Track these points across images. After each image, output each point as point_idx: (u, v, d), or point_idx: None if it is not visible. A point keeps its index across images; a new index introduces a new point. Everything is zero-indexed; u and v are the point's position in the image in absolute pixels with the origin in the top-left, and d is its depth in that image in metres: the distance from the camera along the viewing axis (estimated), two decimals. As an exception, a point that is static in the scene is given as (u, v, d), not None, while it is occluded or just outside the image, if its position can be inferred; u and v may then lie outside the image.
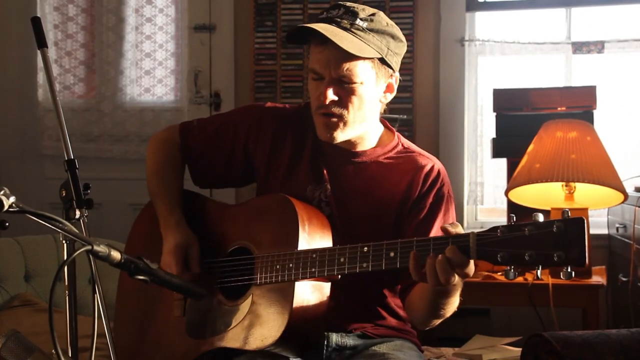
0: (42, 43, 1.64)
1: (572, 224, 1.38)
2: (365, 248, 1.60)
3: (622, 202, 3.04)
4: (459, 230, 1.51)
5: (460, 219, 3.79)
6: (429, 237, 1.55)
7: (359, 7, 1.78)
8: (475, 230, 1.48)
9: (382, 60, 1.77)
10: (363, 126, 1.83)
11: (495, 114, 3.43)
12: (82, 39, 4.18)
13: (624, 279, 3.18)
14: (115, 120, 4.10)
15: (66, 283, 1.50)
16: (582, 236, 1.37)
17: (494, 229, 1.45)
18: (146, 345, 1.91)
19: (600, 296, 3.11)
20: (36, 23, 1.66)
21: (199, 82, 4.05)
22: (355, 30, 1.73)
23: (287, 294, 1.68)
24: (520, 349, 2.05)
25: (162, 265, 1.81)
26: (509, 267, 1.46)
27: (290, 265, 1.67)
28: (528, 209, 3.16)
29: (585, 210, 3.02)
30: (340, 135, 1.80)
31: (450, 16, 3.86)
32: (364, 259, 1.60)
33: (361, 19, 1.75)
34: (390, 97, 1.85)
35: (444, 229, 1.52)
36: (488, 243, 1.45)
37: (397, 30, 1.80)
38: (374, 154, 1.88)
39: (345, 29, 1.73)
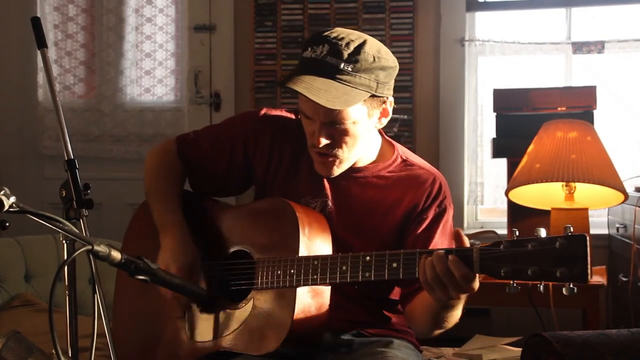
0: (42, 43, 1.63)
1: (574, 240, 1.38)
2: (368, 257, 1.60)
3: (622, 202, 3.04)
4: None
5: (460, 219, 3.78)
6: (432, 249, 1.54)
7: (343, 41, 1.69)
8: (478, 245, 1.47)
9: (373, 95, 1.73)
10: (360, 154, 1.82)
11: (495, 114, 3.42)
12: (82, 39, 4.17)
13: (624, 279, 3.18)
14: (115, 120, 4.10)
15: (66, 283, 1.50)
16: (584, 253, 1.37)
17: (497, 243, 1.44)
18: (147, 344, 1.91)
19: (600, 296, 3.10)
20: (36, 23, 1.66)
21: (199, 82, 4.05)
22: (340, 77, 1.67)
23: (289, 300, 1.67)
24: (520, 349, 2.05)
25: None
26: (511, 282, 1.46)
27: (292, 271, 1.67)
28: (528, 209, 3.17)
29: (585, 210, 3.01)
30: (337, 171, 1.80)
31: (450, 16, 3.86)
32: (366, 268, 1.59)
33: (345, 62, 1.67)
34: (385, 120, 1.82)
35: (457, 234, 1.50)
36: (491, 258, 1.44)
37: (384, 61, 1.72)
38: (375, 168, 1.86)
39: (330, 77, 1.67)
